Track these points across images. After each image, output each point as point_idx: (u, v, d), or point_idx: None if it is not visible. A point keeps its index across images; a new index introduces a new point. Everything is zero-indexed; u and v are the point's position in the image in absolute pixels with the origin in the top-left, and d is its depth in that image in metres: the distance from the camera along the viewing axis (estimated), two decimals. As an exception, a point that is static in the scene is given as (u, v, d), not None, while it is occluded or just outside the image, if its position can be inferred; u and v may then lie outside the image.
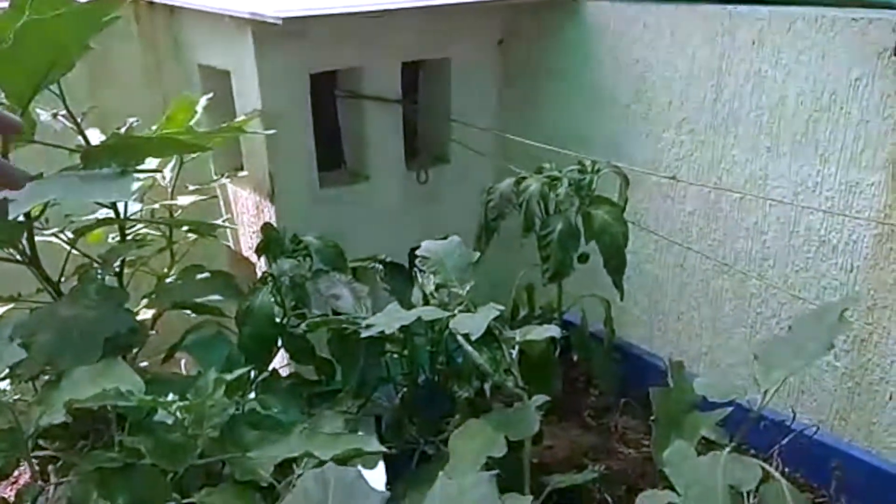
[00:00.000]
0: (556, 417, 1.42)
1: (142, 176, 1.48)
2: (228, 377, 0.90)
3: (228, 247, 1.94)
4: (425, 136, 1.97)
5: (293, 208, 1.70)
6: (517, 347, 1.06)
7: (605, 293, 1.50)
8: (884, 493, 1.41)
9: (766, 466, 0.89)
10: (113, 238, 1.44)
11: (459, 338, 0.98)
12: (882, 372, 1.48)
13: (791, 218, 1.53)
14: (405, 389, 1.19)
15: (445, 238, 1.18)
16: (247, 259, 1.87)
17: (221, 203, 1.90)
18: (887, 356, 1.46)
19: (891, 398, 1.48)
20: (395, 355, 1.20)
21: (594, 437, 1.33)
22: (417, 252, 1.13)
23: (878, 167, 1.39)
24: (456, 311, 1.03)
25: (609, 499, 1.08)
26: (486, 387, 1.15)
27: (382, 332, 1.01)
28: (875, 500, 1.41)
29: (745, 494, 0.87)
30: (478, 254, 1.12)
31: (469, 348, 0.97)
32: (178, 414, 0.85)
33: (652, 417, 1.03)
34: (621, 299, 1.34)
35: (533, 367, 1.16)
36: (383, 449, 0.88)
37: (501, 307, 1.00)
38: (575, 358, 1.48)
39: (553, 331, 1.02)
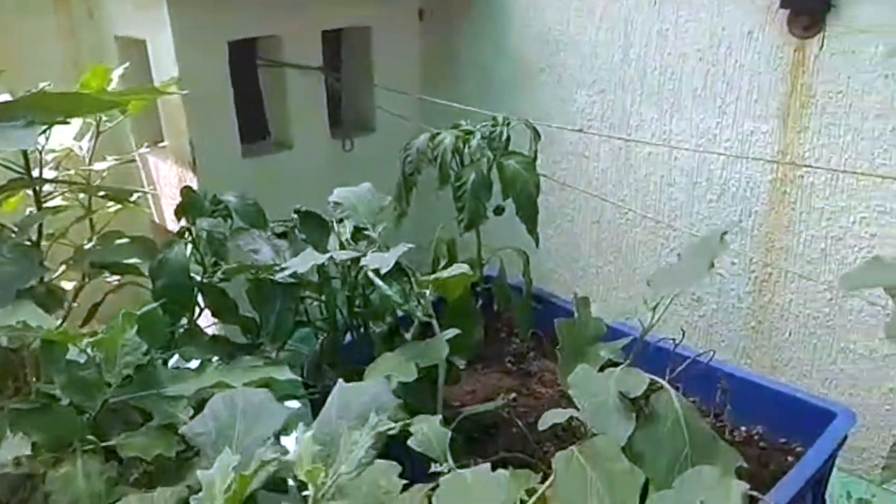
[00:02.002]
0: (480, 366, 1.46)
1: (57, 146, 1.47)
2: (138, 312, 0.92)
3: (152, 220, 1.93)
4: (349, 105, 2.00)
5: (215, 178, 1.70)
6: (431, 288, 1.10)
7: (524, 247, 1.56)
8: (768, 409, 1.45)
9: (656, 378, 0.95)
10: (30, 211, 1.43)
11: (371, 274, 1.02)
12: (781, 311, 1.58)
13: (694, 169, 1.62)
14: (325, 335, 1.22)
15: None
16: (170, 232, 1.86)
17: (143, 176, 1.89)
18: (786, 295, 1.56)
19: (790, 335, 1.58)
20: (313, 301, 1.23)
21: (513, 380, 1.38)
22: (330, 199, 1.16)
23: (771, 115, 1.48)
24: (368, 253, 1.07)
25: (520, 423, 1.14)
26: (407, 334, 1.19)
27: (296, 273, 1.04)
28: (763, 417, 1.45)
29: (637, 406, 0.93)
30: (389, 198, 1.16)
31: (379, 282, 1.01)
32: (88, 351, 0.87)
33: (558, 347, 1.09)
34: (537, 246, 1.39)
35: (453, 313, 1.20)
36: (295, 377, 0.91)
37: (411, 244, 1.04)
38: (496, 308, 1.54)
39: (464, 268, 1.06)
